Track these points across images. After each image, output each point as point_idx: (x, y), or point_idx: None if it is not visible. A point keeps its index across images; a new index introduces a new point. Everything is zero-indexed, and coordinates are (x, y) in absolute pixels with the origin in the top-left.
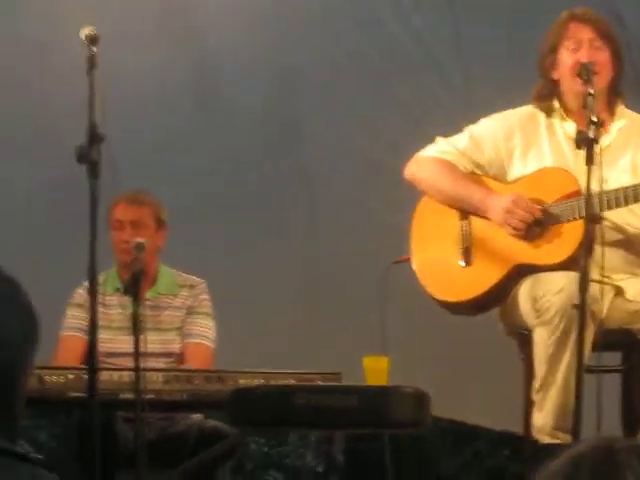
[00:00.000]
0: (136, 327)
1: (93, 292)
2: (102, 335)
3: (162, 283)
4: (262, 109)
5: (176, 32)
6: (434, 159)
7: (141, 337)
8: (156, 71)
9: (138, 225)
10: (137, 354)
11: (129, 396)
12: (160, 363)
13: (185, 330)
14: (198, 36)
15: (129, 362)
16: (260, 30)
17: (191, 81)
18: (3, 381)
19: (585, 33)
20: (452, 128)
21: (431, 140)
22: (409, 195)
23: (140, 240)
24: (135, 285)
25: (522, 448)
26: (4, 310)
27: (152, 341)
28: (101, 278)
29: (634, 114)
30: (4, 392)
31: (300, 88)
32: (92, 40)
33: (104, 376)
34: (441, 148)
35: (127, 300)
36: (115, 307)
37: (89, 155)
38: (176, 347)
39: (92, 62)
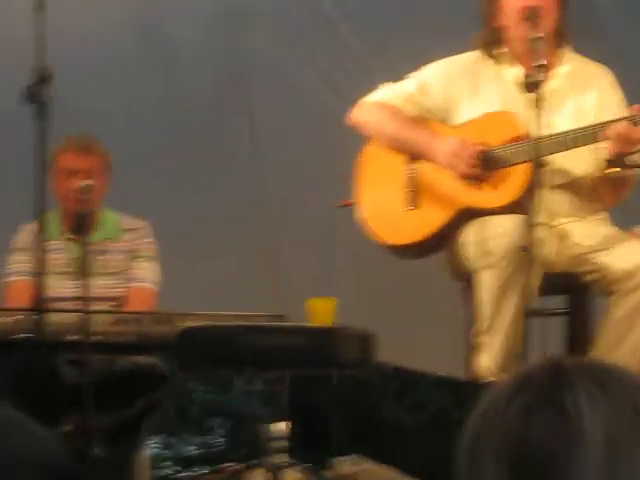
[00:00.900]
0: (82, 270)
1: (41, 233)
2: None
3: (107, 227)
4: (208, 48)
5: None
6: (379, 104)
7: (86, 281)
8: (96, 9)
9: (88, 174)
10: (84, 297)
11: (75, 337)
12: (104, 307)
13: (128, 274)
14: None
15: (70, 307)
16: None
17: (134, 18)
18: None
19: None
20: (396, 75)
21: (376, 87)
22: (355, 140)
23: (88, 182)
24: (81, 228)
25: (465, 392)
26: None
27: (96, 285)
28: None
29: (580, 58)
30: None
31: (248, 28)
32: None
33: (50, 318)
34: (386, 94)
35: (69, 244)
36: (57, 251)
37: (38, 95)
38: (120, 291)
39: (40, 2)
